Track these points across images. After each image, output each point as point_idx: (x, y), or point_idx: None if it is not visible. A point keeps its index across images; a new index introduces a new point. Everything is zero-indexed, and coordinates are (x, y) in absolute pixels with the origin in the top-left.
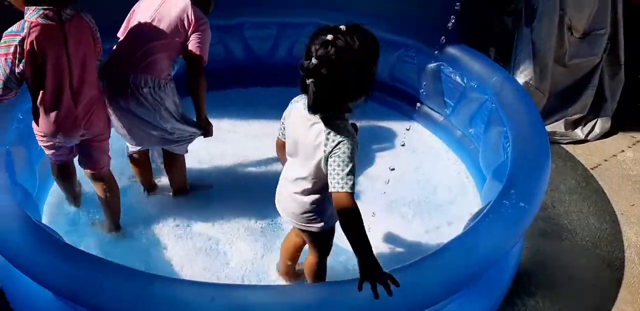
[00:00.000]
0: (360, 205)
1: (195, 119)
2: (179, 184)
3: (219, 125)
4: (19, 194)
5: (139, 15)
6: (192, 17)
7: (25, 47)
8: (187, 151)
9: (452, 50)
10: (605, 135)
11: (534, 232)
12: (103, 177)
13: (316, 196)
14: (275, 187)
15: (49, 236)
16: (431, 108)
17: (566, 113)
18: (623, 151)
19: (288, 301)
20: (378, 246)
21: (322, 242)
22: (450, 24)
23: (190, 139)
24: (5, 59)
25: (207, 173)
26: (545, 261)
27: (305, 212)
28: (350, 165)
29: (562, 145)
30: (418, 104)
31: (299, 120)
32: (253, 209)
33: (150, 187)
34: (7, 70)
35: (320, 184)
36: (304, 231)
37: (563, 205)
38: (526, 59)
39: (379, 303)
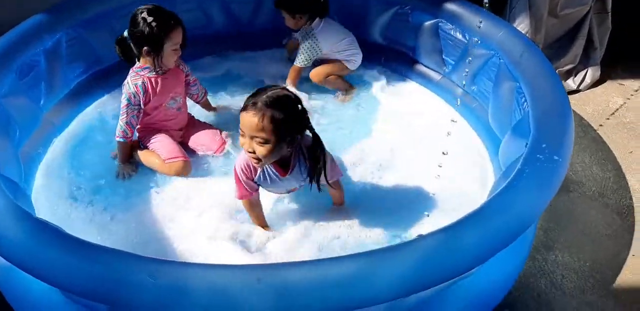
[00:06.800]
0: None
1: None
2: None
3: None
4: (8, 188)
5: None
6: None
7: None
8: None
9: (450, 5)
10: (595, 84)
11: None
12: None
13: None
14: None
15: (51, 229)
16: (428, 67)
17: (559, 64)
18: (614, 98)
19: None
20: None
21: None
22: None
23: None
24: None
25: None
26: (557, 215)
27: None
28: None
29: None
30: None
31: None
32: None
33: None
34: None
35: None
36: None
37: None
38: (522, 12)
39: (419, 269)
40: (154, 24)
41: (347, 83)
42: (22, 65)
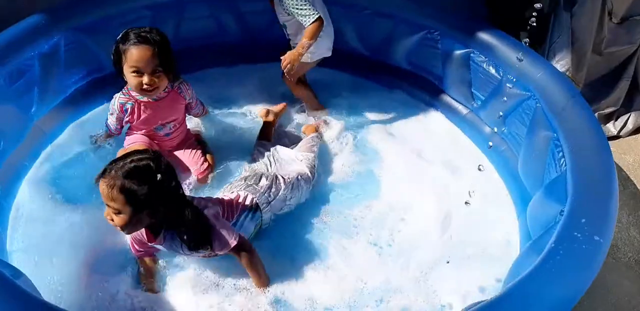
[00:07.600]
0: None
1: None
2: None
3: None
4: None
5: None
6: None
7: None
8: None
9: (484, 35)
10: (637, 130)
11: None
12: None
13: None
14: None
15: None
16: (455, 99)
17: (599, 106)
18: None
19: None
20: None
21: None
22: None
23: None
24: None
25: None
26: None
27: None
28: None
29: None
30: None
31: None
32: None
33: None
34: None
35: None
36: None
37: None
38: (564, 47)
39: None
40: (116, 43)
41: (319, 104)
42: (12, 71)
